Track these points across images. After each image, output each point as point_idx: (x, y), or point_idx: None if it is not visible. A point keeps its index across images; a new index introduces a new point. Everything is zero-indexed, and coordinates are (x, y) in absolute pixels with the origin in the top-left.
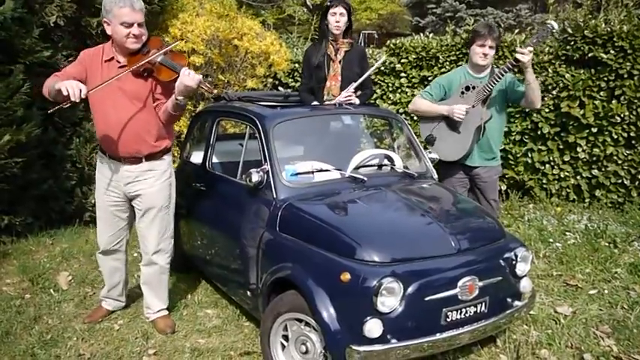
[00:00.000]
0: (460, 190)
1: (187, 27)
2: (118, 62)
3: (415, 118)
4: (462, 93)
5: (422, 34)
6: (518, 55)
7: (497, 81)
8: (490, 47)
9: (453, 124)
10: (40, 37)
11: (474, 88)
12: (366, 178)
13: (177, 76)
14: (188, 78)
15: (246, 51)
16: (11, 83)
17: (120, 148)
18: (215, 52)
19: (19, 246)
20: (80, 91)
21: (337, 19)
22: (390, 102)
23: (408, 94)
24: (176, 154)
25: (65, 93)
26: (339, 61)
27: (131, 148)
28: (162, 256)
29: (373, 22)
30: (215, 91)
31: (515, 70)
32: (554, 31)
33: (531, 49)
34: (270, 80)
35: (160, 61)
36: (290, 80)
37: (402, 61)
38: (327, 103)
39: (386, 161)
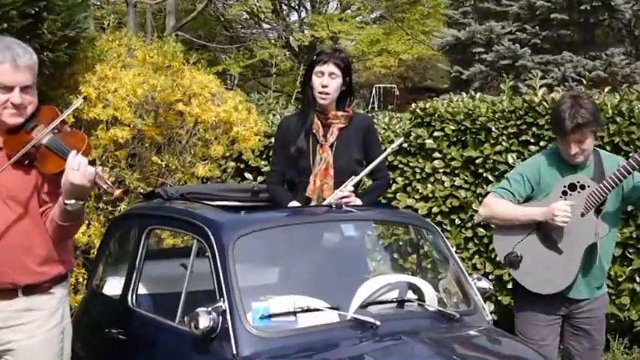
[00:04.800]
0: (548, 338)
1: (108, 84)
2: None
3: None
4: (565, 193)
5: (464, 93)
6: None
7: (620, 181)
8: (592, 139)
9: (550, 237)
10: None
11: (582, 187)
12: (379, 322)
13: None
14: (75, 173)
15: (195, 120)
16: None
17: None
18: (149, 121)
19: None
20: None
21: (325, 82)
22: (417, 197)
23: (446, 184)
24: (82, 280)
25: None
26: (331, 145)
27: (3, 275)
28: None
29: (392, 71)
30: (117, 192)
31: None
32: None
33: None
34: (233, 164)
35: (45, 143)
36: (262, 163)
37: (436, 134)
38: (318, 204)
39: (410, 294)
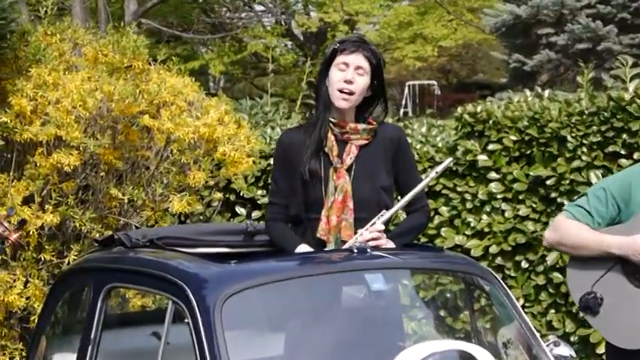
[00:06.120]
0: None
1: (48, 94)
2: None
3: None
4: None
5: (528, 91)
6: None
7: None
8: None
9: (638, 271)
10: None
11: None
12: None
13: None
14: None
15: (167, 138)
16: None
17: None
18: (104, 142)
19: None
20: None
21: (349, 76)
22: (469, 233)
23: (507, 214)
24: (19, 359)
25: None
26: (349, 169)
27: None
28: None
29: (430, 63)
30: (14, 236)
31: None
32: None
33: None
34: (219, 196)
35: None
36: (259, 194)
37: (491, 147)
38: (335, 248)
39: None
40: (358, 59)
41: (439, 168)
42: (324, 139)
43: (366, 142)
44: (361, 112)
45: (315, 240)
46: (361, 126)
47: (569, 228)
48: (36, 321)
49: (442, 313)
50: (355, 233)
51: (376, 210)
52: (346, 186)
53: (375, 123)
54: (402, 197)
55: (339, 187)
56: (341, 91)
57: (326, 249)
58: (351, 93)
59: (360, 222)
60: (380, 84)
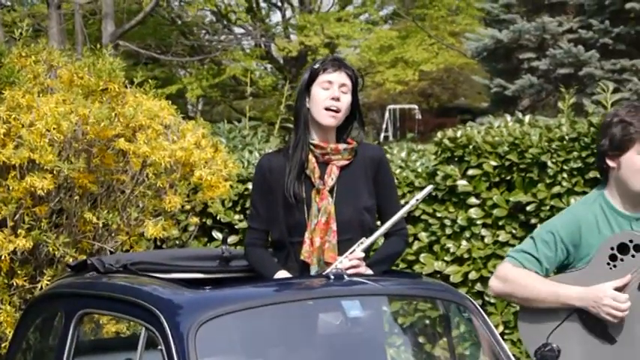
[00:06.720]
0: None
1: (21, 116)
2: None
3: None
4: (613, 258)
5: (509, 116)
6: None
7: None
8: None
9: (596, 319)
10: None
11: (638, 249)
12: None
13: None
14: None
15: (143, 162)
16: None
17: None
18: (79, 165)
19: None
20: None
21: (336, 94)
22: (448, 258)
23: (487, 240)
24: None
25: None
26: (330, 190)
27: None
28: None
29: (411, 87)
30: None
31: None
32: None
33: None
34: (195, 220)
35: None
36: (236, 218)
37: (471, 172)
38: (311, 275)
39: None
40: (342, 77)
41: (419, 195)
42: (305, 162)
43: (347, 162)
44: (340, 132)
45: (299, 263)
46: (342, 146)
47: (518, 279)
48: (6, 348)
49: (421, 339)
50: (338, 255)
51: (359, 231)
52: (329, 207)
53: (355, 142)
54: (381, 222)
55: (323, 209)
56: (328, 109)
57: (305, 274)
58: (338, 110)
59: (343, 244)
60: (356, 103)
